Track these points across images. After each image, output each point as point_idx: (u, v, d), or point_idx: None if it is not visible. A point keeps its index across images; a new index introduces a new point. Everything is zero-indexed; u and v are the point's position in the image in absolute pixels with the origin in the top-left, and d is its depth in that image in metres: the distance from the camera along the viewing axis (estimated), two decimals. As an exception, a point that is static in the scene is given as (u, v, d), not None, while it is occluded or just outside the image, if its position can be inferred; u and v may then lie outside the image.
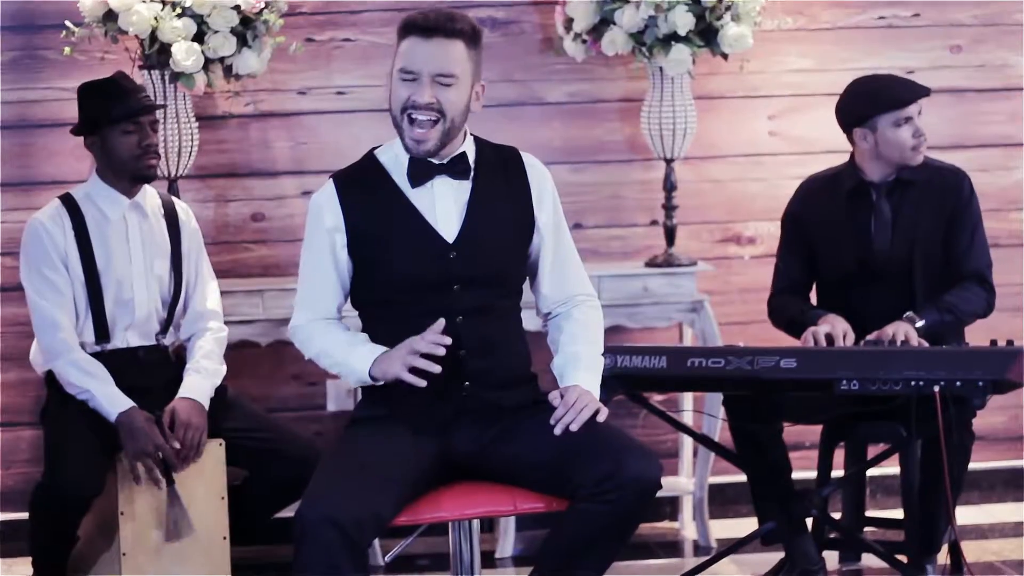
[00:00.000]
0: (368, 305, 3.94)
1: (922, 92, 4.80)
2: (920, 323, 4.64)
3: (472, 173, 3.89)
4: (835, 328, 4.65)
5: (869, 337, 4.61)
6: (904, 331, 4.58)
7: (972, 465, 4.81)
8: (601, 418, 3.74)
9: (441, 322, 3.74)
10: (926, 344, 4.56)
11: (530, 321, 4.03)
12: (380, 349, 3.82)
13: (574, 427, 3.70)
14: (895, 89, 4.83)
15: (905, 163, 4.81)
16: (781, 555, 4.82)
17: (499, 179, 3.91)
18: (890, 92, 4.82)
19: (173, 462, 4.47)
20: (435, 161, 3.85)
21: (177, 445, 4.47)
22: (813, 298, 4.98)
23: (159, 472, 4.46)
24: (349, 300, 3.97)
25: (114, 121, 4.61)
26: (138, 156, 4.63)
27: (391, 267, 3.84)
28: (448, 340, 3.72)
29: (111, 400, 4.50)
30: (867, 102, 4.82)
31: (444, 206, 3.86)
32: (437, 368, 3.71)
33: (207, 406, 4.60)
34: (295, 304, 3.99)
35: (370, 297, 3.92)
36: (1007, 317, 5.63)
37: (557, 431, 3.70)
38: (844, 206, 4.88)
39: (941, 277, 4.80)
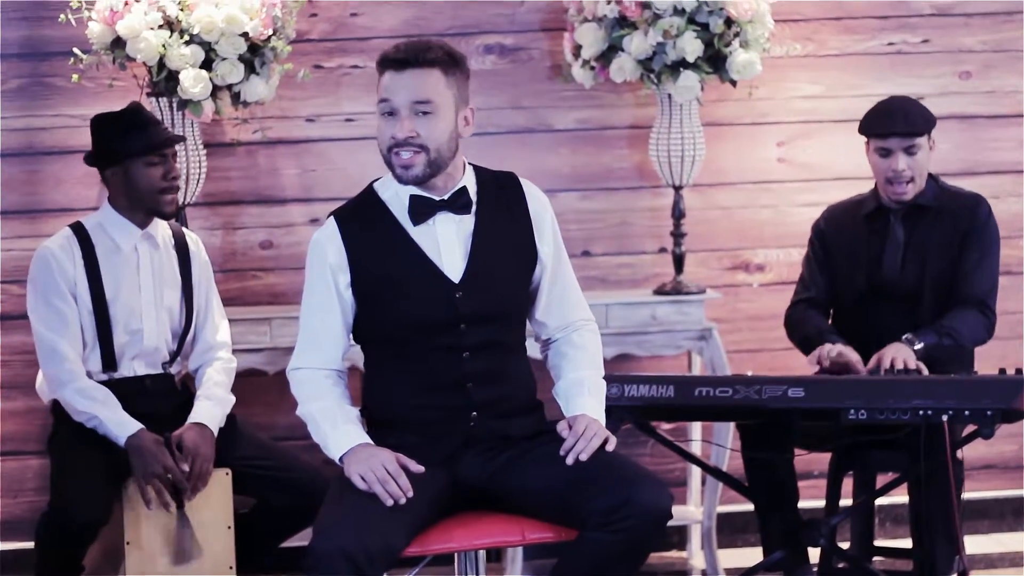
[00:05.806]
0: (372, 342, 3.91)
1: (899, 128, 4.73)
2: (919, 345, 4.63)
3: (474, 207, 3.86)
4: (842, 355, 4.64)
5: (870, 364, 4.59)
6: (903, 356, 4.56)
7: (981, 494, 4.81)
8: (610, 447, 3.75)
9: (421, 468, 3.71)
10: (924, 368, 4.54)
11: (531, 348, 4.01)
12: (362, 438, 3.78)
13: (584, 457, 3.70)
14: (882, 116, 4.80)
15: (886, 194, 4.79)
16: None
17: (501, 211, 3.88)
18: (877, 117, 4.80)
19: (183, 485, 4.46)
20: (435, 197, 3.81)
21: (187, 468, 4.46)
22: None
23: (168, 495, 4.45)
24: (351, 337, 3.93)
25: (140, 153, 4.60)
26: (162, 189, 4.61)
27: (396, 308, 3.81)
28: (411, 494, 3.65)
29: (119, 424, 4.49)
30: (864, 119, 4.82)
31: (448, 243, 3.83)
32: (391, 501, 3.65)
33: (216, 433, 4.59)
34: (297, 345, 3.94)
35: (374, 335, 3.89)
36: (1015, 345, 5.61)
37: (569, 461, 3.70)
38: (862, 230, 4.88)
39: (949, 300, 4.78)
